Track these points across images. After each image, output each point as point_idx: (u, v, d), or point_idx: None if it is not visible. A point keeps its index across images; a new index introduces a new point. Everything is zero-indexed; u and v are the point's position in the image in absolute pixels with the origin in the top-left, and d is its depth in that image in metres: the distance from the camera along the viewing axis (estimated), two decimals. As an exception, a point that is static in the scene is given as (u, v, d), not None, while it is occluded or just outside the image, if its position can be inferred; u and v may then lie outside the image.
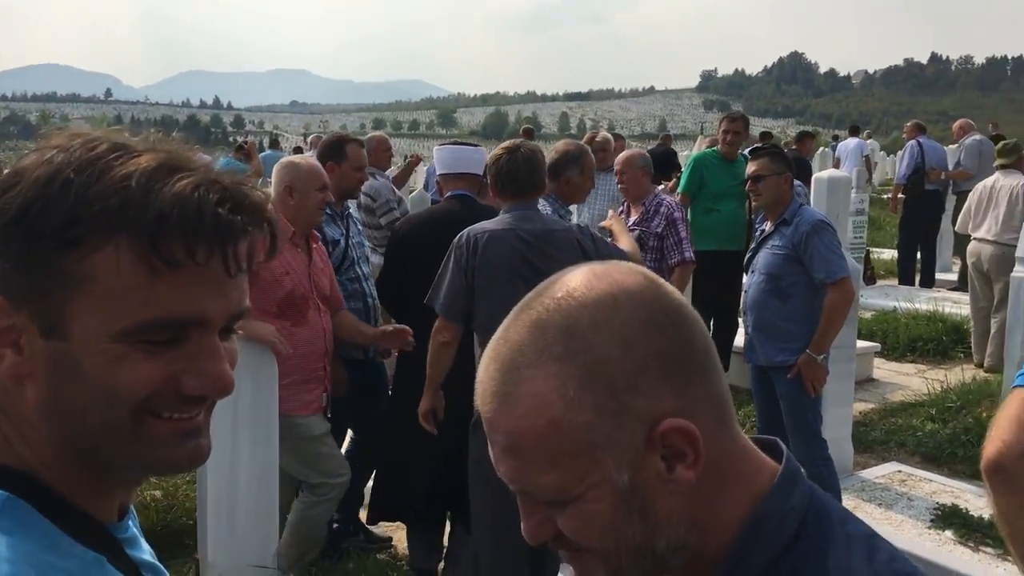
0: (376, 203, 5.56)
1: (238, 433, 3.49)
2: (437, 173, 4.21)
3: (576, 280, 0.85)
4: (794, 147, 11.80)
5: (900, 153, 11.27)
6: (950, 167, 11.12)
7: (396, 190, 5.82)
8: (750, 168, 4.29)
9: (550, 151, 4.40)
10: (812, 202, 6.41)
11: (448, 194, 4.04)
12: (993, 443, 1.60)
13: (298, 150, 16.70)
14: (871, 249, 11.13)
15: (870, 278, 10.79)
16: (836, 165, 14.68)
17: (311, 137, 13.66)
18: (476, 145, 4.39)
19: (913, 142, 10.66)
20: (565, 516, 0.83)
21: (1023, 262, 6.09)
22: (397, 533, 4.61)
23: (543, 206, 4.30)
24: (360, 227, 4.63)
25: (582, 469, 0.81)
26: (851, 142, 15.57)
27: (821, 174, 7.01)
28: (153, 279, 0.77)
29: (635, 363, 0.81)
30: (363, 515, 4.40)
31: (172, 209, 0.76)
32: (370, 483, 4.87)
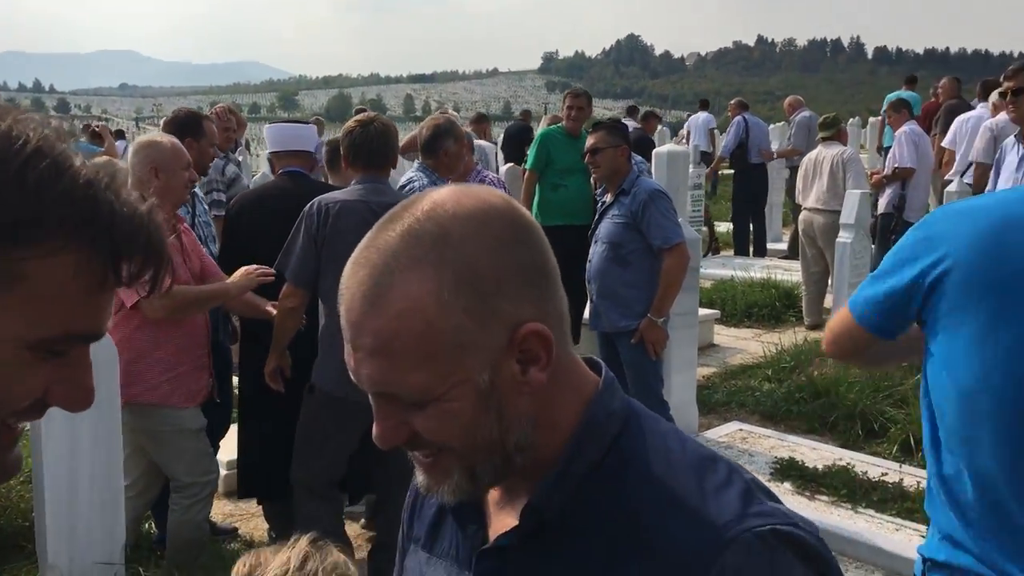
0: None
1: (78, 429, 3.32)
2: (268, 151, 4.24)
3: (443, 196, 0.91)
4: (639, 126, 12.26)
5: (728, 128, 11.93)
6: (777, 142, 11.71)
7: (226, 170, 5.60)
8: (588, 141, 4.47)
9: (419, 129, 4.53)
10: (653, 176, 6.62)
11: (281, 171, 4.08)
12: (824, 343, 1.98)
13: (120, 134, 15.86)
14: (715, 222, 11.70)
15: (716, 249, 11.34)
16: (687, 138, 15.51)
17: (163, 119, 12.90)
18: (307, 123, 4.45)
19: (739, 118, 11.25)
20: (425, 415, 0.88)
21: (847, 228, 6.52)
22: (247, 522, 4.50)
23: (420, 179, 4.35)
24: (206, 207, 4.47)
25: (448, 369, 0.86)
26: (700, 116, 16.32)
27: (661, 149, 7.25)
28: (94, 294, 0.74)
29: (503, 271, 0.88)
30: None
31: (140, 230, 0.75)
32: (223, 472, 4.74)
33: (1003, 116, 6.23)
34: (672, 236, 4.23)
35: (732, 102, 11.93)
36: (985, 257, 1.52)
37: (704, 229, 11.78)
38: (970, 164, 6.97)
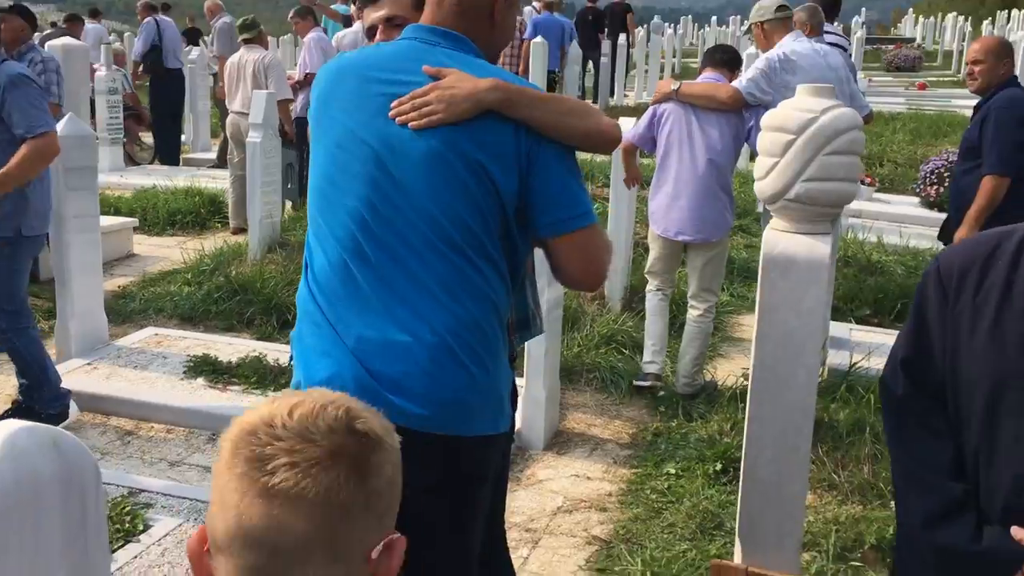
0: None
1: None
2: None
3: None
4: (64, 25, 11.17)
5: (138, 32, 11.27)
6: (209, 47, 11.31)
7: None
8: None
9: None
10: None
11: None
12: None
13: None
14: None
15: (161, 158, 10.78)
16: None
17: None
18: None
19: (149, 20, 10.62)
20: None
21: (255, 128, 6.60)
22: None
23: None
24: None
25: None
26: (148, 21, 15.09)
27: (55, 42, 6.60)
28: None
29: None
30: None
31: None
32: None
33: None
34: (37, 124, 3.85)
35: (140, 3, 11.26)
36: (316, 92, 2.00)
37: (144, 139, 11.17)
38: None
